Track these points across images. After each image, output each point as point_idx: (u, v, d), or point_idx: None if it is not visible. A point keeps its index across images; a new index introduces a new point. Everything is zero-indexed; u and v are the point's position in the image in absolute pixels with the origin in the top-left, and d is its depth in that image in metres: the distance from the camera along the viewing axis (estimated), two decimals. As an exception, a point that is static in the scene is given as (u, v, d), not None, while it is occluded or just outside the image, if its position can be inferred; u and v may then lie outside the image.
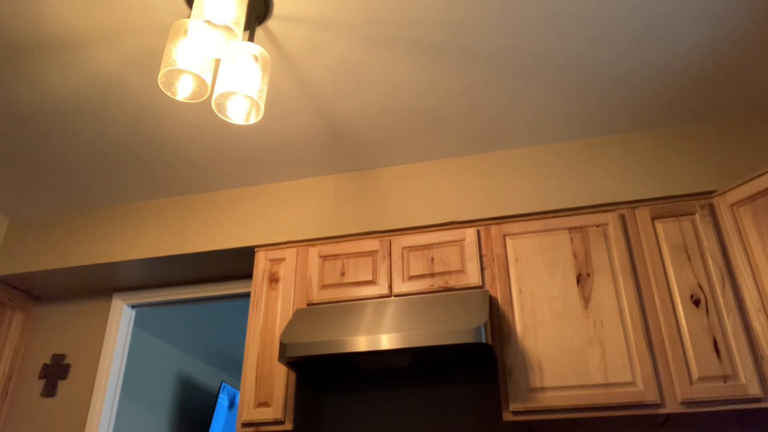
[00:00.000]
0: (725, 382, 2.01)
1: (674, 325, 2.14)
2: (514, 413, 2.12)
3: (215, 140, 2.60)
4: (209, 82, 1.80)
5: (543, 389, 2.12)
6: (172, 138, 2.58)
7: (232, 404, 5.27)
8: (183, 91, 1.83)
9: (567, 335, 2.19)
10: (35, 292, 3.24)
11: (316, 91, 2.32)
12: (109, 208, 3.07)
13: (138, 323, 4.39)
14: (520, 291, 2.32)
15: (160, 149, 2.65)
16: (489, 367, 2.38)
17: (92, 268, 2.97)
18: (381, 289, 2.45)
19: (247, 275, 3.06)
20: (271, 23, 2.01)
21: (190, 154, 2.68)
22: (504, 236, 2.44)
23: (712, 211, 2.30)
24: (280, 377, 2.37)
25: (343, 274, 2.52)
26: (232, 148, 2.65)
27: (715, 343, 2.08)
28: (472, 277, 2.37)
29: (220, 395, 5.11)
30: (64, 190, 2.95)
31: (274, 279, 2.60)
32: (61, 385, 3.03)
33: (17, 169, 2.78)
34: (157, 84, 2.26)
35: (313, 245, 2.65)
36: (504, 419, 2.12)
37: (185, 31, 1.79)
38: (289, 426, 2.28)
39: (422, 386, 2.56)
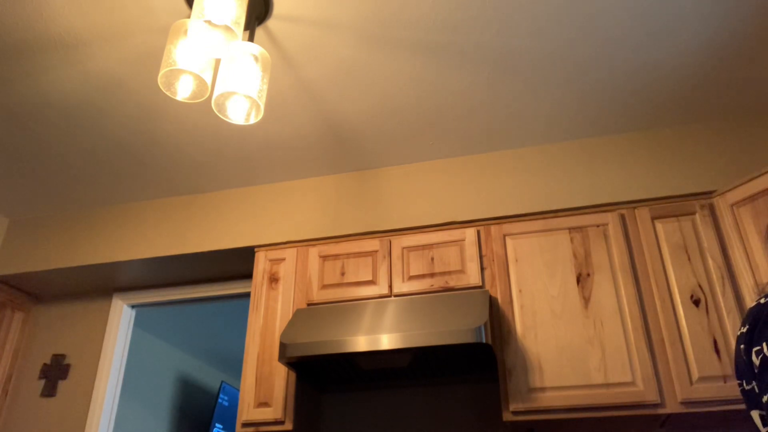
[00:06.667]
0: (725, 382, 2.01)
1: (674, 325, 2.14)
2: (514, 413, 2.12)
3: (215, 140, 2.59)
4: (209, 82, 1.80)
5: (543, 389, 2.12)
6: (172, 138, 2.58)
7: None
8: (183, 91, 1.83)
9: (567, 335, 2.19)
10: (35, 292, 3.24)
11: (316, 91, 2.32)
12: (109, 208, 3.07)
13: (138, 323, 4.39)
14: (520, 291, 2.32)
15: (160, 149, 2.65)
16: (489, 367, 2.38)
17: (92, 268, 2.97)
18: (381, 289, 2.45)
19: (247, 275, 3.06)
20: (271, 23, 2.01)
21: (190, 154, 2.68)
22: (504, 236, 2.44)
23: (712, 211, 2.30)
24: (280, 377, 2.37)
25: (343, 274, 2.52)
26: (232, 148, 2.65)
27: (715, 343, 2.08)
28: (472, 277, 2.37)
29: (220, 395, 5.11)
30: (65, 190, 2.95)
31: (274, 279, 2.60)
32: (61, 385, 3.03)
33: (17, 169, 2.78)
34: (157, 84, 2.26)
35: (313, 245, 2.65)
36: (504, 419, 2.12)
37: (185, 31, 1.79)
38: (289, 426, 2.28)
39: (422, 386, 2.56)
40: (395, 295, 2.43)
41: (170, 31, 1.81)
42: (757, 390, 0.92)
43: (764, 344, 0.91)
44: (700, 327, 2.11)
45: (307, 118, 2.47)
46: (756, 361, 0.92)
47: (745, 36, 2.09)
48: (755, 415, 0.95)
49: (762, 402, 0.90)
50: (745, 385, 0.97)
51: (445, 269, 2.42)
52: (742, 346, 0.98)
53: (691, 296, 2.17)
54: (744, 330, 0.98)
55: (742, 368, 0.97)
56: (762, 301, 0.97)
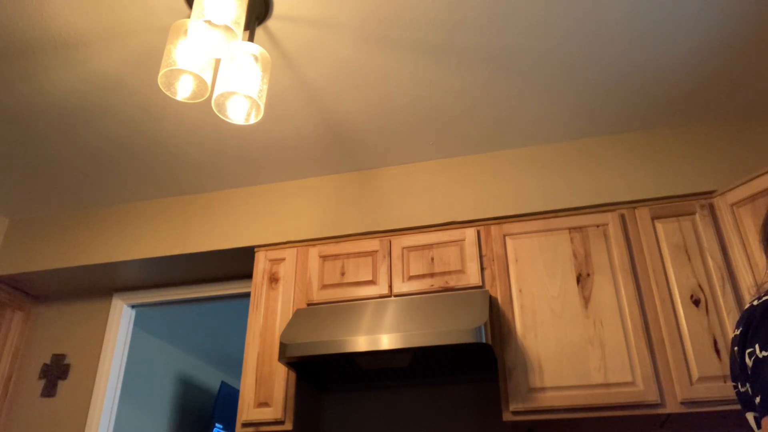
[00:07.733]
0: (725, 382, 2.01)
1: (674, 325, 2.14)
2: (514, 413, 2.12)
3: (215, 140, 2.59)
4: (209, 82, 1.80)
5: (543, 389, 2.12)
6: (172, 138, 2.58)
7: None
8: (183, 91, 1.83)
9: (567, 335, 2.19)
10: (35, 292, 3.24)
11: (316, 91, 2.32)
12: (109, 208, 3.07)
13: (138, 323, 4.39)
14: (520, 291, 2.32)
15: (160, 149, 2.65)
16: (489, 367, 2.38)
17: (92, 268, 2.97)
18: (381, 289, 2.45)
19: (247, 275, 3.06)
20: (271, 23, 2.01)
21: (190, 154, 2.68)
22: (504, 236, 2.44)
23: (712, 211, 2.30)
24: (280, 377, 2.37)
25: (343, 274, 2.52)
26: (232, 148, 2.65)
27: (715, 343, 2.08)
28: (472, 277, 2.37)
29: (220, 395, 5.11)
30: (64, 190, 2.95)
31: (274, 279, 2.60)
32: (61, 385, 3.03)
33: (17, 169, 2.78)
34: (157, 84, 2.26)
35: (313, 245, 2.65)
36: (504, 419, 2.12)
37: (185, 31, 1.79)
38: (289, 426, 2.28)
39: (422, 386, 2.56)
40: (395, 295, 2.43)
41: (170, 31, 1.81)
42: (750, 392, 0.92)
43: (756, 346, 0.91)
44: (700, 327, 2.11)
45: (307, 118, 2.47)
46: (749, 362, 0.92)
47: (745, 36, 2.09)
48: (750, 417, 0.96)
49: (755, 404, 0.90)
50: (739, 387, 0.97)
51: (445, 269, 2.42)
52: (735, 348, 0.98)
53: (691, 296, 2.17)
54: (737, 332, 0.98)
55: (737, 370, 0.98)
56: (755, 303, 0.98)
